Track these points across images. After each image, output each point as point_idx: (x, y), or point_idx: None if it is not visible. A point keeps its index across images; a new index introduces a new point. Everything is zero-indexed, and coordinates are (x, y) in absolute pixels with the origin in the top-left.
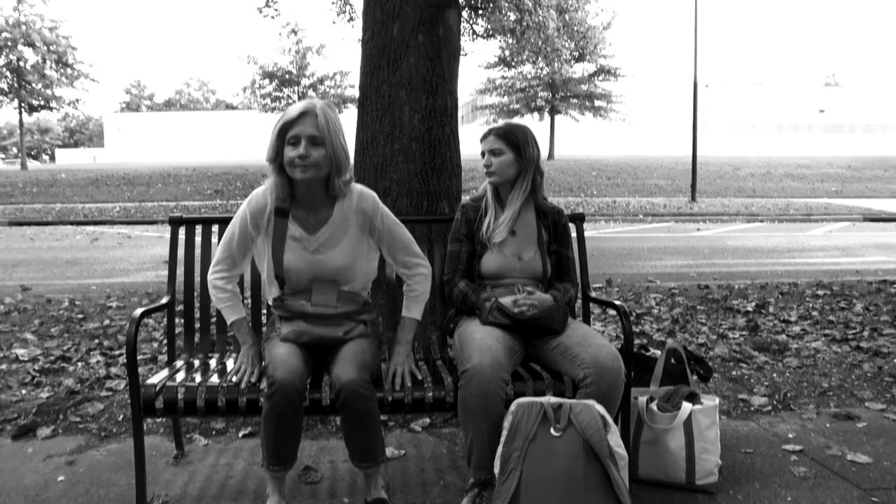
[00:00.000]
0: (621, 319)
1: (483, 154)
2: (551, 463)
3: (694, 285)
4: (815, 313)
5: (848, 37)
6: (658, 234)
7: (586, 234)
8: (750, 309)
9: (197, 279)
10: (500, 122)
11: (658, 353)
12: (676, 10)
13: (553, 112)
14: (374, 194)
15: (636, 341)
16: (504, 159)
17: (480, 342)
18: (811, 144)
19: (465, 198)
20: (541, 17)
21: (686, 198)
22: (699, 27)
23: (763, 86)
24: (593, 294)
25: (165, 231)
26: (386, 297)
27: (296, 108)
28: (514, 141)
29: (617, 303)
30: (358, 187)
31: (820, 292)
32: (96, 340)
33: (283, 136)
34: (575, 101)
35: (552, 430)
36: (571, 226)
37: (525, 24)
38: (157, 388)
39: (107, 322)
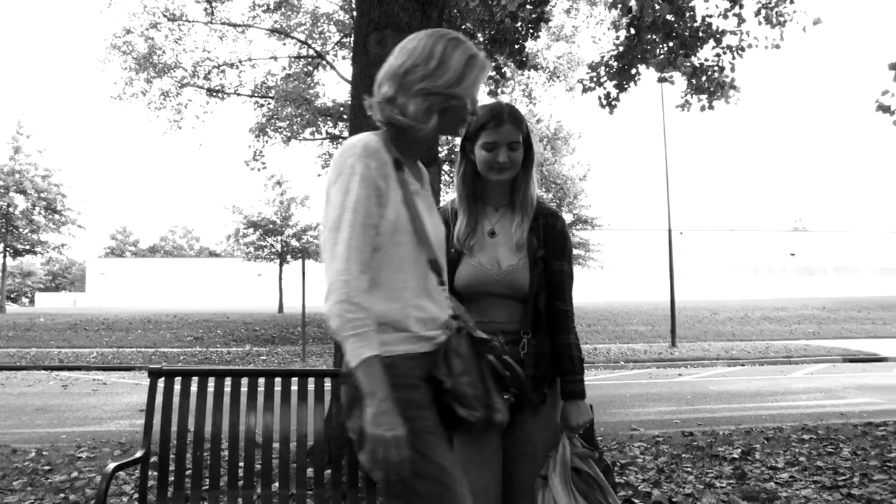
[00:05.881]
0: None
1: (489, 147)
2: None
3: (678, 432)
4: (802, 459)
5: (811, 185)
6: (640, 380)
7: None
8: (736, 456)
9: (173, 430)
10: (498, 101)
11: None
12: (648, 161)
13: None
14: None
15: (621, 493)
16: (520, 152)
17: None
18: (785, 287)
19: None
20: None
21: (666, 343)
22: (671, 178)
23: (735, 231)
24: None
25: (142, 378)
26: None
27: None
28: (525, 128)
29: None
30: None
31: (806, 437)
32: (62, 495)
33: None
34: None
35: None
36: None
37: None
38: None
39: (75, 474)
